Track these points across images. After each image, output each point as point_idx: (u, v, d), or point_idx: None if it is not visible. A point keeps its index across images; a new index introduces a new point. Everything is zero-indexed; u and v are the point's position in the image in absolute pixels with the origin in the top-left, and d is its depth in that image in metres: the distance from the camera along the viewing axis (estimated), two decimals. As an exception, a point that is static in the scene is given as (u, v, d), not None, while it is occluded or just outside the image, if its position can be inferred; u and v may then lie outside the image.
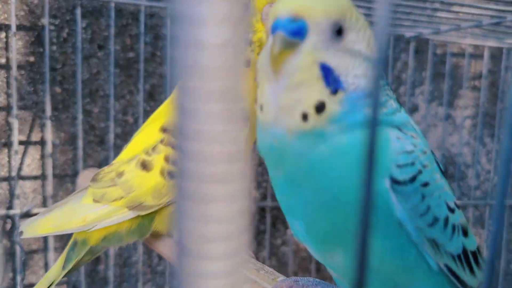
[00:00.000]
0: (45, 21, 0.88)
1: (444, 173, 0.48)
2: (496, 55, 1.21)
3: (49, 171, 0.90)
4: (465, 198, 1.24)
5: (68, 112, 0.93)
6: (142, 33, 0.93)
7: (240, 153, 0.19)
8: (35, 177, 0.92)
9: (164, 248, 0.68)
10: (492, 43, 1.17)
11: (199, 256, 0.19)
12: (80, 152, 0.91)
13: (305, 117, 0.38)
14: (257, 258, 1.06)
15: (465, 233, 0.47)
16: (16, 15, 0.87)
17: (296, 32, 0.37)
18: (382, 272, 0.43)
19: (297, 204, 0.43)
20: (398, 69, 1.13)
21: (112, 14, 0.90)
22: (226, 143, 0.19)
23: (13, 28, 0.85)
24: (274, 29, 0.38)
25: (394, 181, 0.40)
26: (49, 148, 0.90)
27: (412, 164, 0.41)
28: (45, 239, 0.93)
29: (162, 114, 0.66)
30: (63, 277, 0.66)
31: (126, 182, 0.62)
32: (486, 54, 1.19)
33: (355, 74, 0.40)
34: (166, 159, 0.62)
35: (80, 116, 0.91)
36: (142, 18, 0.93)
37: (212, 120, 0.18)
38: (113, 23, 0.91)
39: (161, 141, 0.63)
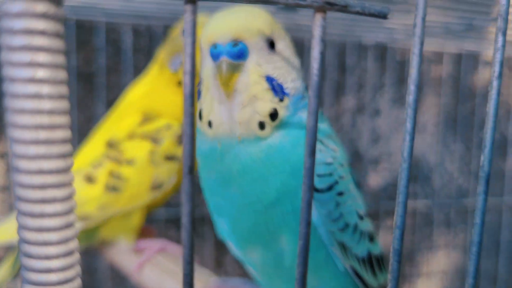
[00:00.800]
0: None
1: (358, 184, 0.51)
2: (456, 60, 1.24)
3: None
4: (430, 199, 1.27)
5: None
6: (104, 47, 0.96)
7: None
8: (2, 188, 0.95)
9: (116, 257, 0.71)
10: (451, 49, 1.20)
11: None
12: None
13: (261, 125, 0.42)
14: (221, 264, 1.09)
15: (371, 239, 0.50)
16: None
17: (239, 55, 0.41)
18: (294, 270, 0.47)
19: (225, 203, 0.46)
20: (358, 75, 1.16)
21: (73, 29, 0.94)
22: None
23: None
24: (217, 55, 0.41)
25: (313, 189, 0.44)
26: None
27: (330, 174, 0.45)
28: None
29: (108, 127, 0.69)
30: (13, 277, 0.69)
31: (73, 195, 0.66)
32: (446, 59, 1.22)
33: (292, 79, 0.44)
34: (110, 173, 0.65)
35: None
36: (102, 32, 0.96)
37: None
38: (75, 38, 0.94)
39: (107, 156, 0.66)
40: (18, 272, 0.69)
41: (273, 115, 0.42)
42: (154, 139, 0.65)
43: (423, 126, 1.25)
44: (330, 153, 0.46)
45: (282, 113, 0.42)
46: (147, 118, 0.67)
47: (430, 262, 1.30)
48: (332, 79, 1.15)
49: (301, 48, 1.06)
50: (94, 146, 0.68)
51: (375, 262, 0.50)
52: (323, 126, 0.48)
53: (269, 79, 0.42)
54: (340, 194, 0.46)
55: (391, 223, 1.24)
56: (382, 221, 1.23)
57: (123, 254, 0.69)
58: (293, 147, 0.44)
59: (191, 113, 0.23)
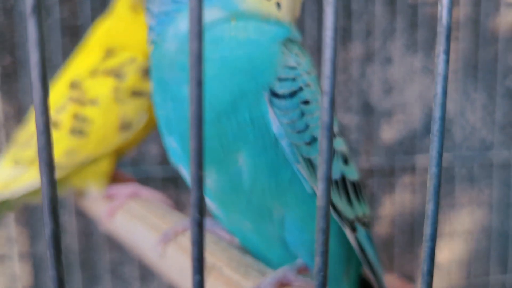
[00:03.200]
0: (-15, -10, 0.87)
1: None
2: (475, 1, 1.14)
3: (2, 141, 0.90)
4: (450, 154, 1.18)
5: (17, 82, 0.92)
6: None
7: None
8: (-10, 150, 0.92)
9: (87, 205, 0.66)
10: (469, -12, 1.10)
11: None
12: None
13: None
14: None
15: (346, 161, 0.43)
16: (-43, -13, 0.87)
17: None
18: (254, 194, 0.40)
19: (174, 116, 0.40)
20: (365, 21, 1.08)
21: (54, -21, 0.89)
22: None
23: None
24: None
25: (273, 94, 0.38)
26: (0, 118, 0.90)
27: (294, 79, 0.39)
28: None
29: (72, 68, 0.64)
30: None
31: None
32: (463, 0, 1.13)
33: None
34: (75, 116, 0.60)
35: (28, 87, 0.90)
36: (85, -18, 0.91)
37: None
38: (57, -11, 0.89)
39: (70, 98, 0.61)
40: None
41: None
42: (117, 74, 0.59)
43: (440, 74, 1.16)
44: (293, 57, 0.39)
45: None
46: (110, 52, 0.61)
47: (452, 221, 1.21)
48: (337, 27, 1.07)
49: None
50: (57, 89, 0.63)
51: (350, 188, 0.43)
52: (283, 29, 0.41)
53: None
54: (306, 102, 0.39)
55: (408, 180, 1.16)
56: (398, 178, 1.15)
57: (94, 201, 0.64)
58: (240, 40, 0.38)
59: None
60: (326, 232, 0.23)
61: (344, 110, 1.11)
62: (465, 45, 1.16)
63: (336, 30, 0.23)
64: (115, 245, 1.01)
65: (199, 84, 0.21)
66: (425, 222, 0.24)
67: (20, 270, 0.96)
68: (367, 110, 1.11)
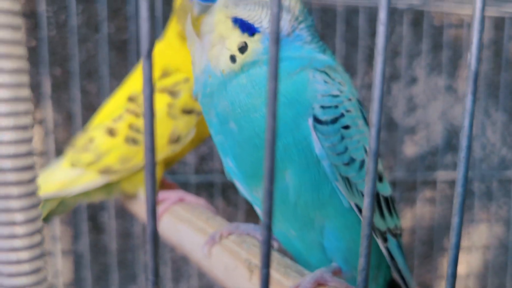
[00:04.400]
0: (42, 8, 0.95)
1: (366, 119, 0.50)
2: (498, 24, 1.19)
3: (51, 147, 0.97)
4: (470, 171, 1.23)
5: (68, 92, 0.99)
6: (133, 15, 0.98)
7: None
8: (40, 153, 0.99)
9: (136, 209, 0.73)
10: (492, 12, 1.15)
11: None
12: (80, 129, 0.97)
13: (233, 58, 0.44)
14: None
15: (380, 179, 0.49)
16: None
17: None
18: (299, 206, 0.46)
19: (227, 140, 0.47)
20: (394, 42, 1.14)
21: (104, -2, 0.96)
22: None
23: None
24: None
25: (317, 120, 0.44)
26: (50, 125, 0.97)
27: (336, 107, 0.45)
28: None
29: (131, 83, 0.71)
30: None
31: (96, 148, 0.68)
32: (487, 24, 1.17)
33: (266, 17, 0.44)
34: (130, 126, 0.67)
35: (78, 95, 0.97)
36: (134, 1, 0.98)
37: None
38: (106, 7, 0.96)
39: (127, 110, 0.68)
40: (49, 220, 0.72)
41: (242, 48, 0.44)
42: (172, 92, 0.66)
43: (463, 94, 1.21)
44: (336, 85, 0.45)
45: (253, 46, 0.44)
46: (165, 73, 0.68)
47: (471, 235, 1.26)
48: (365, 46, 1.13)
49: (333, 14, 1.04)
50: (116, 101, 0.70)
51: (383, 203, 0.49)
52: (325, 58, 0.47)
53: (236, 20, 0.44)
54: (346, 127, 0.45)
55: (429, 194, 1.21)
56: (419, 192, 1.20)
57: (143, 205, 0.70)
58: (298, 83, 0.44)
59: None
60: (369, 238, 0.28)
61: (370, 125, 1.17)
62: (488, 67, 1.20)
63: (384, 75, 0.28)
64: (150, 246, 1.07)
65: (273, 116, 0.27)
66: (450, 233, 0.30)
67: (62, 266, 1.03)
68: (392, 126, 1.16)
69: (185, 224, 0.63)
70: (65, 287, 1.03)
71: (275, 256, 0.51)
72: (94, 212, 1.04)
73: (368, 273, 0.29)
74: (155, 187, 0.26)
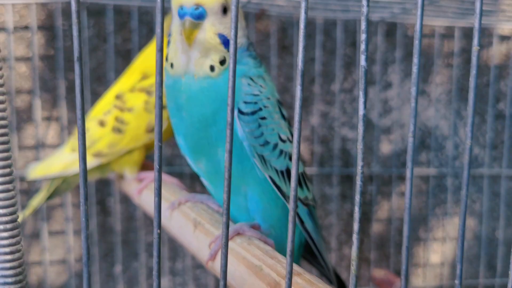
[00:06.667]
0: (58, 22, 1.12)
1: (285, 118, 0.64)
2: (467, 34, 1.31)
3: (66, 140, 1.14)
4: (444, 168, 1.34)
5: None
6: (136, 28, 1.15)
7: None
8: (56, 145, 1.16)
9: (124, 186, 0.89)
10: (462, 23, 1.27)
11: None
12: (89, 125, 1.14)
13: (212, 68, 0.58)
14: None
15: (290, 158, 0.63)
16: (38, 18, 1.12)
17: (199, 16, 0.56)
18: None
19: (180, 123, 0.62)
20: (370, 51, 1.27)
21: (111, 13, 1.13)
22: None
23: (34, 28, 1.10)
24: (183, 15, 0.56)
25: (240, 112, 0.59)
26: (65, 122, 1.14)
27: (255, 103, 0.59)
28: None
29: (119, 85, 0.87)
30: (44, 202, 0.88)
31: (90, 136, 0.84)
32: (457, 33, 1.29)
33: (239, 36, 0.59)
34: (116, 119, 0.83)
35: (89, 97, 1.14)
36: (135, 15, 1.14)
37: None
38: (113, 21, 1.13)
39: (114, 106, 0.84)
40: (50, 196, 0.88)
41: (222, 62, 0.58)
42: (148, 91, 0.82)
43: (435, 97, 1.33)
44: (257, 87, 0.60)
45: (228, 59, 0.57)
46: (145, 76, 0.84)
47: (445, 227, 1.37)
48: (345, 55, 1.27)
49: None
50: (106, 98, 0.86)
51: None
52: (257, 70, 0.62)
53: (221, 36, 0.58)
54: (263, 118, 0.60)
55: (403, 188, 1.33)
56: (395, 186, 1.32)
57: (128, 183, 0.86)
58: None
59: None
60: (295, 210, 0.39)
61: (349, 126, 1.30)
62: (460, 73, 1.32)
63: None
64: (150, 230, 1.23)
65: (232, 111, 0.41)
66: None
67: (73, 244, 1.19)
68: (369, 126, 1.29)
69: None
70: (76, 262, 1.20)
71: (216, 216, 0.66)
72: (102, 197, 1.20)
73: (294, 234, 0.41)
74: (160, 170, 0.41)
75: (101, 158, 0.83)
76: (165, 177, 0.84)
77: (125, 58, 1.17)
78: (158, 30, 0.38)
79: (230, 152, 0.39)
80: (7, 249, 0.41)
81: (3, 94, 0.42)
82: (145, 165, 0.89)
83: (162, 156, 0.37)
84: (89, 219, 1.18)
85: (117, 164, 0.85)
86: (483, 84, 1.33)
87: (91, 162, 0.84)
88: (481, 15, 0.36)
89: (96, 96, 1.16)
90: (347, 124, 1.30)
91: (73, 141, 0.86)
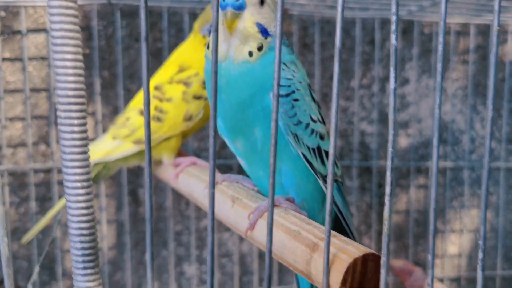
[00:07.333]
0: (94, 23, 1.19)
1: (315, 100, 0.70)
2: (485, 31, 1.36)
3: (100, 134, 1.21)
4: (460, 161, 1.39)
5: (114, 90, 1.23)
6: (166, 28, 1.21)
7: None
8: (92, 139, 1.23)
9: (160, 172, 0.95)
10: (478, 20, 1.32)
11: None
12: (122, 120, 1.20)
13: (250, 54, 0.64)
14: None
15: (322, 138, 0.68)
16: (75, 19, 1.19)
17: (239, 7, 0.62)
18: (264, 153, 0.67)
19: (220, 106, 0.67)
20: (388, 48, 1.32)
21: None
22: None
23: (71, 28, 1.17)
24: (224, 6, 0.62)
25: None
26: (99, 117, 1.21)
27: (289, 86, 0.65)
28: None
29: (157, 77, 0.93)
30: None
31: (131, 124, 0.90)
32: (473, 30, 1.34)
33: (274, 25, 0.65)
34: (155, 108, 0.89)
35: (122, 93, 1.21)
36: (165, 16, 1.21)
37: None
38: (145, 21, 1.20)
39: (153, 96, 0.90)
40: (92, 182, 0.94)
41: (260, 48, 0.64)
42: (186, 83, 0.88)
43: (451, 93, 1.38)
44: (290, 72, 0.66)
45: (265, 46, 0.64)
46: (182, 69, 0.90)
47: (462, 219, 1.41)
48: (363, 52, 1.32)
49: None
50: (146, 89, 0.92)
51: (324, 155, 0.69)
52: (290, 56, 0.68)
53: (258, 25, 0.64)
54: (296, 100, 0.66)
55: (421, 181, 1.38)
56: (413, 179, 1.37)
57: (166, 168, 0.92)
58: (265, 67, 0.64)
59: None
60: (332, 195, 0.45)
61: (368, 121, 1.35)
62: (475, 68, 1.37)
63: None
64: (179, 219, 1.29)
65: (277, 97, 0.47)
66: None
67: (107, 233, 1.26)
68: (387, 120, 1.34)
69: (194, 178, 0.84)
70: (109, 249, 1.26)
71: (252, 193, 0.72)
72: (134, 188, 1.26)
73: (332, 195, 0.46)
74: (214, 163, 0.47)
75: (141, 145, 0.89)
76: (199, 161, 0.90)
77: (156, 56, 1.24)
78: (214, 14, 0.43)
79: (275, 146, 0.44)
80: (83, 204, 0.47)
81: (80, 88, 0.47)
82: (181, 153, 0.95)
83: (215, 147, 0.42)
84: (121, 209, 1.25)
85: (156, 150, 0.91)
86: (499, 80, 1.38)
87: (132, 148, 0.90)
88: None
89: (128, 92, 1.23)
90: (366, 119, 1.35)
91: (114, 129, 0.92)
